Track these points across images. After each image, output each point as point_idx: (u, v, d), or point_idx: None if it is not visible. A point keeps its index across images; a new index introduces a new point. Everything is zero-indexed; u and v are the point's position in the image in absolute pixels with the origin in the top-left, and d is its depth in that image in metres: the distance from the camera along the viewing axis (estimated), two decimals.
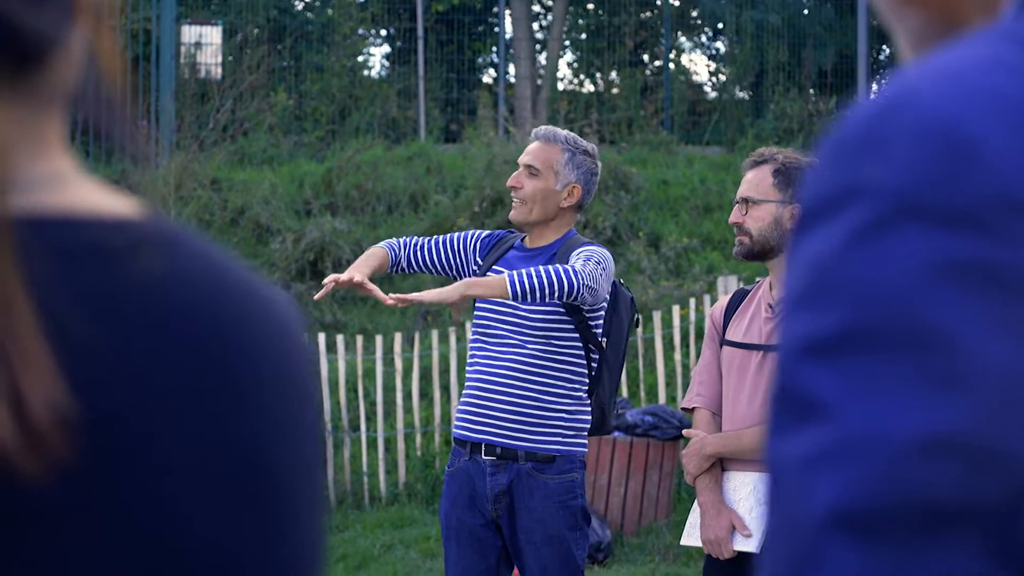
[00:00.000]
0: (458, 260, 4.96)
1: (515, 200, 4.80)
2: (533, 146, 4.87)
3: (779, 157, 4.46)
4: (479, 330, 4.80)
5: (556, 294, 4.44)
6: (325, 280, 4.63)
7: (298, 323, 0.87)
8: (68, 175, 0.83)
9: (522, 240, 4.87)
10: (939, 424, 0.72)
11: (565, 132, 4.89)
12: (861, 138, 0.77)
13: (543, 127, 4.95)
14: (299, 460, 0.85)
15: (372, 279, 4.68)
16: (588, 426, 4.76)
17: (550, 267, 4.48)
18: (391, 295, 4.48)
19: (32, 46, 0.80)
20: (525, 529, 4.66)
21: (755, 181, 4.44)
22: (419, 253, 4.96)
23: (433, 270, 4.98)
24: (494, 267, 4.82)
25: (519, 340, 4.69)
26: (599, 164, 4.92)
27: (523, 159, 4.84)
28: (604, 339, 4.75)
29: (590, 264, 4.52)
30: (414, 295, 4.45)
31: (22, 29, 0.79)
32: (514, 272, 4.48)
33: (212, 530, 0.80)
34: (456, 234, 5.00)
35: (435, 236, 5.03)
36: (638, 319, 4.97)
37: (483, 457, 4.71)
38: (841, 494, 0.73)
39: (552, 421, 4.68)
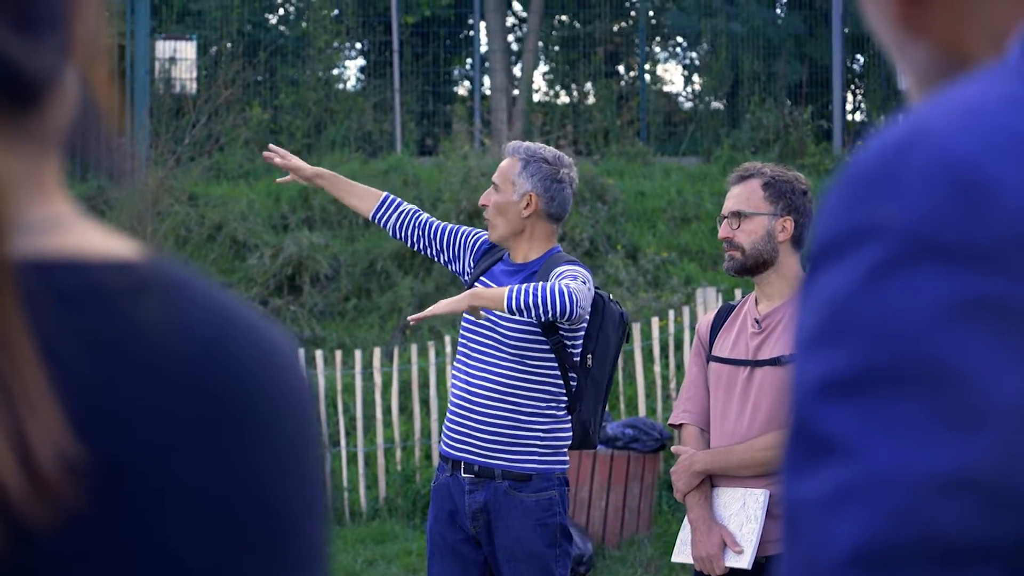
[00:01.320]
0: (456, 250, 4.95)
1: (486, 219, 4.82)
2: (501, 163, 4.88)
3: (766, 171, 4.45)
4: (462, 346, 4.81)
5: (552, 313, 4.44)
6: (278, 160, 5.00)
7: (299, 362, 0.87)
8: (68, 218, 0.83)
9: (509, 254, 4.86)
10: (957, 463, 0.72)
11: (527, 144, 4.84)
12: (876, 175, 0.77)
13: (512, 142, 4.92)
14: (305, 501, 0.84)
15: (329, 196, 5.15)
16: (567, 443, 4.74)
17: (549, 285, 4.46)
18: (411, 317, 4.63)
19: (30, 85, 0.79)
20: (503, 547, 4.66)
21: (745, 195, 4.43)
22: (424, 228, 4.97)
23: (426, 249, 4.97)
24: (481, 279, 4.81)
25: (495, 358, 4.69)
26: (565, 170, 4.82)
27: (493, 176, 4.87)
28: (590, 356, 4.74)
29: (576, 283, 4.51)
30: (429, 311, 4.52)
31: (20, 68, 0.78)
32: (516, 287, 4.47)
33: (219, 572, 0.79)
34: (462, 228, 4.99)
35: (442, 222, 5.01)
36: (628, 335, 4.96)
37: (462, 474, 4.71)
38: (861, 534, 0.73)
39: (528, 439, 4.68)
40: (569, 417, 4.74)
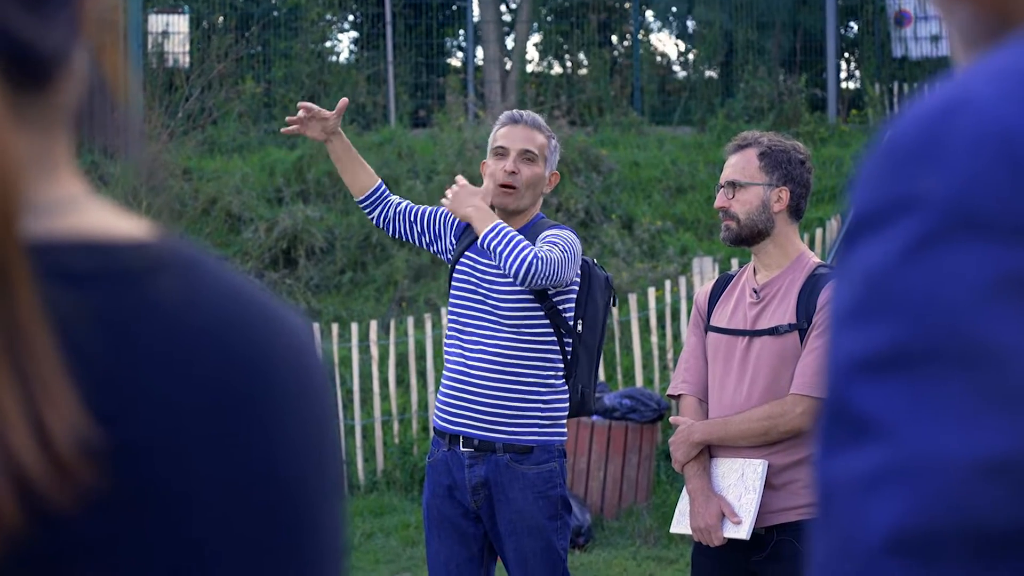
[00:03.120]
0: (436, 229, 4.94)
1: (508, 187, 4.72)
2: (522, 132, 4.79)
3: (763, 140, 4.43)
4: (453, 319, 4.78)
5: (507, 270, 4.51)
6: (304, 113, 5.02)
7: (314, 343, 0.86)
8: (81, 198, 0.82)
9: None
10: (1000, 446, 0.70)
11: (538, 117, 4.87)
12: (915, 144, 0.74)
13: (522, 112, 4.86)
14: (321, 483, 0.83)
15: (333, 163, 5.05)
16: (565, 414, 4.74)
17: (526, 249, 4.49)
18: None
19: (40, 64, 0.78)
20: (505, 520, 4.65)
21: (740, 164, 4.42)
22: (404, 214, 4.95)
23: (406, 235, 4.97)
24: (467, 253, 4.78)
25: (492, 330, 4.67)
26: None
27: (517, 144, 4.74)
28: (580, 321, 4.73)
29: (556, 251, 4.52)
30: (450, 198, 4.69)
31: (30, 47, 0.77)
32: (501, 227, 4.54)
33: (237, 560, 0.79)
34: (436, 209, 4.97)
35: (419, 205, 5.01)
36: (615, 298, 4.96)
37: (461, 448, 4.69)
38: (899, 516, 0.71)
39: (528, 411, 4.66)
40: (566, 386, 4.73)
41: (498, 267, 4.58)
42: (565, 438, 4.75)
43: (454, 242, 4.88)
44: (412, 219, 4.95)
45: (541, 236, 4.62)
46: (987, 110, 0.73)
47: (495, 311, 4.67)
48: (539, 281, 4.48)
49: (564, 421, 4.75)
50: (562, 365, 4.71)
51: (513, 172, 4.71)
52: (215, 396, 0.78)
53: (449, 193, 4.67)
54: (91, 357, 0.75)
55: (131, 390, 0.76)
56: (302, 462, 0.82)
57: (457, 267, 4.79)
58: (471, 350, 4.70)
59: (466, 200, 4.61)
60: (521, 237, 4.54)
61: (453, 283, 4.78)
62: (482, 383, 4.67)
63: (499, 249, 4.49)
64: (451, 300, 4.80)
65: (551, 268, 4.48)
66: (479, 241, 4.55)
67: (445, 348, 4.85)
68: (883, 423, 0.72)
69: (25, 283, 0.73)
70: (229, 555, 0.78)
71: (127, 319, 0.77)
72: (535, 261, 4.46)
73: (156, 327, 0.78)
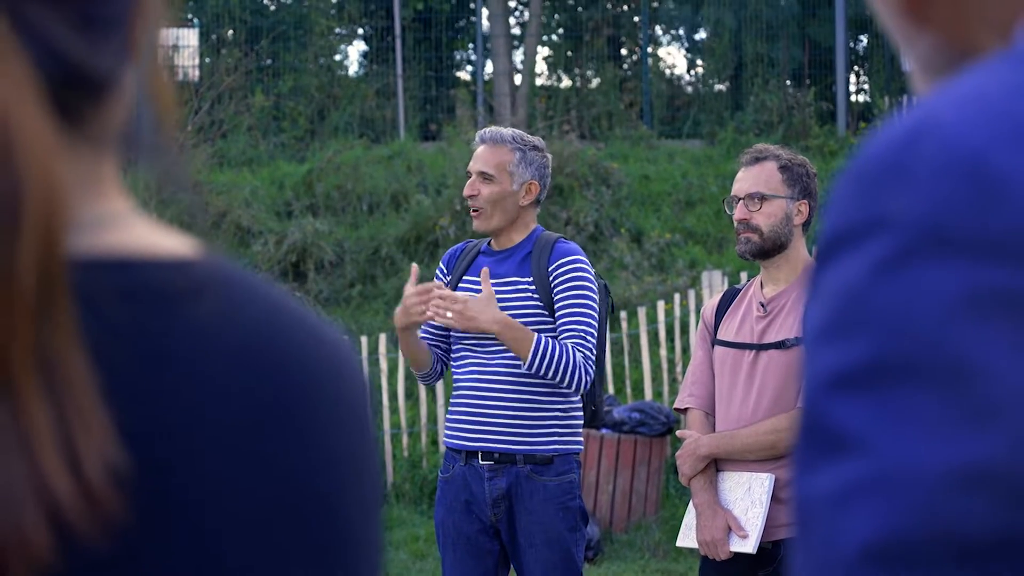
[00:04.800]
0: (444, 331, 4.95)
1: (473, 210, 4.77)
2: (481, 151, 4.81)
3: (781, 154, 4.42)
4: (461, 337, 4.77)
5: (567, 384, 4.58)
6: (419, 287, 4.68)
7: (355, 359, 0.86)
8: (125, 215, 0.82)
9: (488, 244, 4.85)
10: (973, 456, 0.71)
11: (510, 131, 4.84)
12: (884, 167, 0.75)
13: (487, 130, 4.87)
14: (361, 503, 0.84)
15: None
16: (582, 423, 4.76)
17: (570, 359, 4.55)
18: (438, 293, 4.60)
19: (92, 85, 0.79)
20: (525, 532, 4.65)
21: (763, 177, 4.39)
22: (445, 355, 4.94)
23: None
24: (465, 276, 4.79)
25: (504, 349, 4.68)
26: (549, 155, 4.90)
27: (474, 166, 4.79)
28: None
29: (587, 339, 4.60)
30: (459, 298, 4.58)
31: (83, 68, 0.78)
32: (539, 346, 4.55)
33: (276, 574, 0.79)
34: (431, 327, 4.94)
35: (439, 339, 4.94)
36: (612, 305, 4.97)
37: (480, 462, 4.69)
38: (875, 529, 0.71)
39: (548, 422, 4.67)
40: (580, 395, 4.75)
41: (512, 290, 4.64)
42: (582, 447, 4.77)
43: (446, 272, 4.89)
44: (447, 349, 4.94)
45: (559, 288, 4.62)
46: (952, 133, 0.74)
47: None
48: (591, 372, 4.61)
49: (581, 430, 4.76)
50: None
51: (471, 195, 4.76)
52: (253, 413, 0.79)
53: (452, 311, 4.58)
54: (125, 376, 0.75)
55: (164, 409, 0.76)
56: (342, 477, 0.82)
57: (459, 290, 4.79)
58: (487, 365, 4.70)
59: (482, 313, 4.57)
60: (562, 349, 4.56)
61: None
62: (501, 398, 4.67)
63: (549, 374, 4.57)
64: None
65: (592, 360, 4.60)
66: (526, 367, 4.58)
67: (454, 367, 4.84)
68: (858, 437, 0.73)
69: (64, 306, 0.73)
70: (267, 570, 0.78)
71: (166, 336, 0.77)
72: (584, 377, 4.58)
73: (195, 345, 0.78)
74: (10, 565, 0.71)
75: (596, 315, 4.65)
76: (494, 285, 4.69)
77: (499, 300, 4.67)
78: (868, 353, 0.73)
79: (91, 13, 0.79)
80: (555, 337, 4.67)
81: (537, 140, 4.86)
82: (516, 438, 4.65)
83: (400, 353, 10.07)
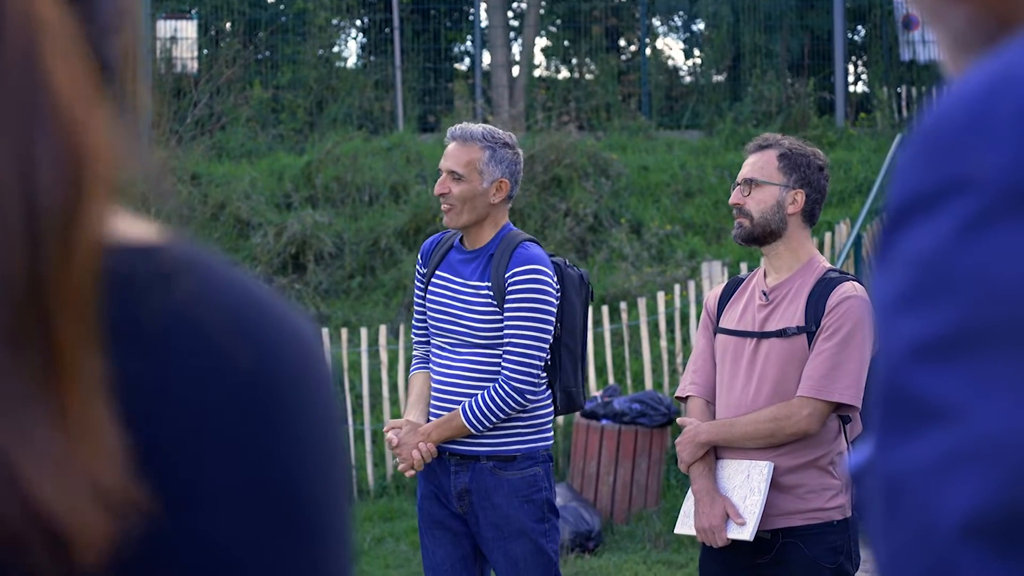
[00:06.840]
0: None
1: (444, 205, 4.79)
2: (451, 148, 4.82)
3: (784, 143, 4.46)
4: (435, 338, 4.83)
5: (514, 412, 4.69)
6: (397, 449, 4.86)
7: (321, 346, 0.86)
8: None
9: (460, 240, 4.86)
10: None
11: (480, 128, 4.84)
12: (959, 125, 0.73)
13: (457, 127, 4.87)
14: (328, 484, 0.84)
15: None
16: (550, 420, 4.80)
17: (500, 393, 4.64)
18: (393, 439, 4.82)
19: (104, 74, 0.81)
20: (492, 525, 4.71)
21: (760, 163, 4.43)
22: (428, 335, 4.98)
23: None
24: (437, 272, 4.81)
25: (470, 347, 4.73)
26: (520, 152, 4.89)
27: (444, 164, 4.80)
28: (559, 325, 4.76)
29: (522, 363, 4.65)
30: (402, 444, 4.79)
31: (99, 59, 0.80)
32: (467, 408, 4.67)
33: (251, 563, 0.79)
34: (415, 296, 5.01)
35: (415, 311, 5.02)
36: (592, 293, 4.97)
37: (447, 457, 4.75)
38: (976, 499, 0.69)
39: (511, 422, 4.71)
40: (548, 392, 4.77)
41: (473, 294, 4.69)
42: (550, 443, 4.80)
43: (423, 265, 4.91)
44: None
45: (510, 298, 4.64)
46: None
47: (469, 328, 4.71)
48: (531, 388, 4.67)
49: (549, 427, 4.80)
50: (543, 372, 4.74)
51: (442, 193, 4.78)
52: (230, 396, 0.79)
53: (398, 453, 4.81)
54: (115, 362, 0.76)
55: (148, 394, 0.77)
56: (309, 463, 0.82)
57: (430, 287, 4.83)
58: (452, 366, 4.76)
59: (411, 439, 4.76)
60: (488, 397, 4.66)
61: (429, 303, 4.82)
62: (464, 396, 4.71)
63: (495, 420, 4.68)
64: (429, 318, 4.83)
65: (528, 380, 4.66)
66: (475, 433, 4.70)
67: (431, 364, 4.88)
68: (948, 407, 0.70)
69: (92, 317, 0.74)
70: (242, 556, 0.78)
71: (140, 322, 0.78)
72: (519, 397, 4.66)
73: (169, 329, 0.78)
74: (72, 550, 0.71)
75: (545, 323, 4.68)
76: (458, 286, 4.77)
77: (460, 302, 4.76)
78: (955, 319, 0.71)
79: (93, 13, 0.81)
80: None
81: (508, 137, 4.86)
82: (479, 438, 4.71)
83: (400, 345, 10.08)
